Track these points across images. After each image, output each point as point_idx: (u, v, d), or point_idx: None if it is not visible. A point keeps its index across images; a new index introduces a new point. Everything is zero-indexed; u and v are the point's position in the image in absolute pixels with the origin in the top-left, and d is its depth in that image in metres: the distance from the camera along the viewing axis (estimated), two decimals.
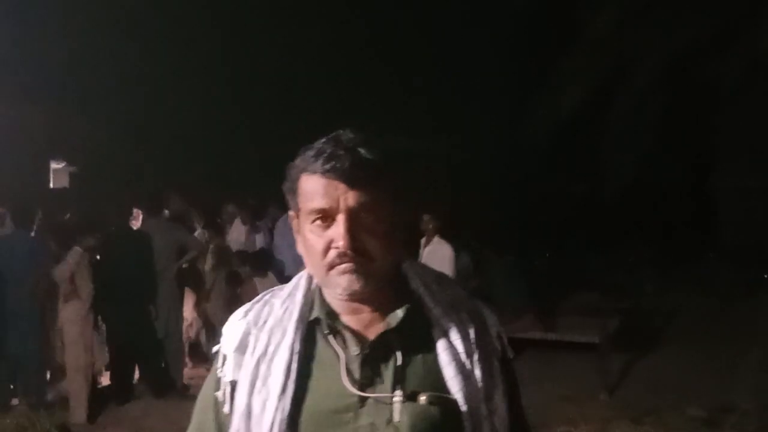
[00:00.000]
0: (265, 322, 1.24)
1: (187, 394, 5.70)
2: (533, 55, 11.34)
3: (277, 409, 1.15)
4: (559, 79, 10.43)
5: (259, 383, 1.18)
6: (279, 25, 11.94)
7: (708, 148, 11.94)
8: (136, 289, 5.96)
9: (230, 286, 6.73)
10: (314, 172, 1.16)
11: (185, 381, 6.29)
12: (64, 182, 14.39)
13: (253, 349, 1.21)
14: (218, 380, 1.24)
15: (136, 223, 6.68)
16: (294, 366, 1.17)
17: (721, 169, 11.55)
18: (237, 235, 7.84)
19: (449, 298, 1.26)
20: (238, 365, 1.22)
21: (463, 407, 1.16)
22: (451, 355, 1.19)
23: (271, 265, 6.93)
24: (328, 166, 1.14)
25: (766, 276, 10.27)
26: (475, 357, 1.20)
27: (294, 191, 1.21)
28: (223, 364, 1.24)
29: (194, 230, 7.32)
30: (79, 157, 13.17)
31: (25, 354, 5.64)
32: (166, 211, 7.15)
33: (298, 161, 1.20)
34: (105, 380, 6.30)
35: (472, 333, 1.22)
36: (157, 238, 6.14)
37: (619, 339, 6.45)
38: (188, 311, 6.80)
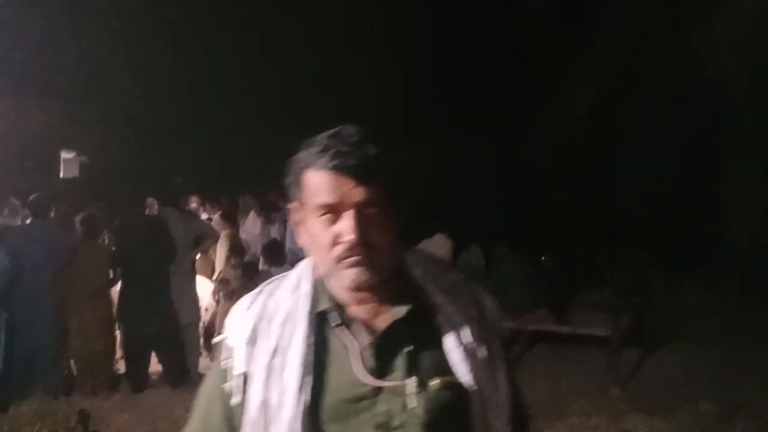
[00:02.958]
0: (274, 314, 1.25)
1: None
2: (545, 55, 11.33)
3: (297, 401, 1.18)
4: (571, 79, 10.45)
5: (274, 376, 1.21)
6: (286, 26, 11.93)
7: (718, 147, 11.92)
8: (153, 277, 5.98)
9: (246, 276, 6.76)
10: (321, 168, 1.18)
11: (201, 370, 6.31)
12: (75, 172, 14.44)
13: (266, 342, 1.23)
14: (224, 371, 1.26)
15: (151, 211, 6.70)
16: (310, 358, 1.20)
17: (734, 167, 11.54)
18: (251, 226, 7.88)
19: (449, 285, 1.29)
20: (249, 358, 1.23)
21: (471, 389, 1.21)
22: (456, 340, 1.23)
23: (284, 256, 6.97)
24: (334, 163, 1.17)
25: None
26: (479, 340, 1.25)
27: (298, 185, 1.23)
28: (231, 356, 1.25)
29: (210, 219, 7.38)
30: (90, 146, 13.21)
31: (44, 341, 5.69)
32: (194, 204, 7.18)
33: (302, 156, 1.22)
34: (121, 368, 6.35)
35: (473, 317, 1.27)
36: (174, 227, 6.17)
37: (631, 334, 6.48)
38: (206, 299, 6.83)
